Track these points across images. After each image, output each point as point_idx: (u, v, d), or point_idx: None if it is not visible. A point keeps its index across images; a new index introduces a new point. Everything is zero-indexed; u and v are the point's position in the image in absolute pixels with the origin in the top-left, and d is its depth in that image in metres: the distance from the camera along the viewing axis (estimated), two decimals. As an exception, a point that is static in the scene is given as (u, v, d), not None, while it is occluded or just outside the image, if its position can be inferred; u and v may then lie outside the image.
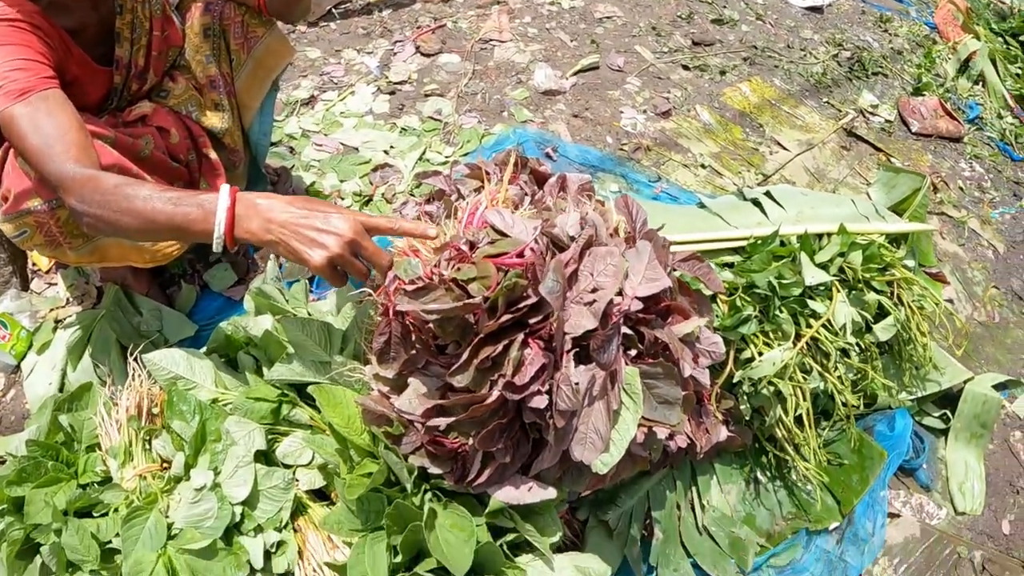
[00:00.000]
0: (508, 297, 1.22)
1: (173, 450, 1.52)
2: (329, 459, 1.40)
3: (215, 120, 1.79)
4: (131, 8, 1.66)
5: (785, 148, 2.40)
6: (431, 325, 1.25)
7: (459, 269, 1.28)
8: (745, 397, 1.76)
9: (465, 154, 2.05)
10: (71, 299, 2.00)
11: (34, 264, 2.07)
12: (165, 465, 1.57)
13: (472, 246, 1.37)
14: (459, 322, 1.25)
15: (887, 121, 2.69)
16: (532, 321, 1.23)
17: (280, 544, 1.48)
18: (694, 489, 1.79)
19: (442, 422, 1.30)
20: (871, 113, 2.65)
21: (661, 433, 1.31)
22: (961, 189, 2.60)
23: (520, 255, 1.32)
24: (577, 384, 1.18)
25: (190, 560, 1.42)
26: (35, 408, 1.88)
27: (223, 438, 1.49)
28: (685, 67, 2.51)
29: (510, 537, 1.33)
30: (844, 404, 1.83)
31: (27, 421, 1.88)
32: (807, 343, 1.79)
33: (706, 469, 1.81)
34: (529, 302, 1.23)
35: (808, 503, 1.85)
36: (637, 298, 1.32)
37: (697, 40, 2.63)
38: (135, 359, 1.62)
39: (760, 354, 1.75)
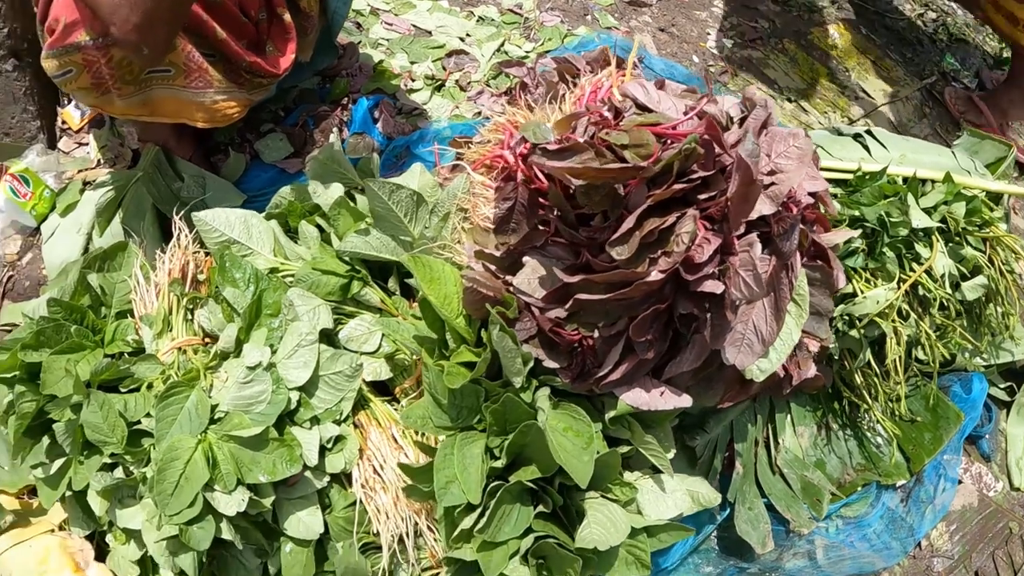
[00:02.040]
0: (681, 166, 0.94)
1: (221, 322, 1.22)
2: (409, 345, 1.11)
3: None
4: None
5: (870, 96, 2.14)
6: (575, 190, 0.97)
7: (608, 134, 1.00)
8: (838, 334, 1.53)
9: (546, 51, 1.74)
10: (102, 161, 1.66)
11: (64, 122, 1.72)
12: (207, 340, 1.27)
13: (618, 113, 1.08)
14: (608, 191, 0.97)
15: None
16: (701, 198, 0.96)
17: (338, 440, 1.19)
18: (770, 427, 1.56)
19: (562, 311, 1.02)
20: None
21: (812, 346, 1.05)
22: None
23: (673, 128, 1.04)
24: (755, 275, 0.91)
25: (235, 449, 1.12)
26: (53, 274, 1.55)
27: (282, 312, 1.19)
28: None
29: (624, 450, 1.06)
30: (931, 359, 1.60)
31: (43, 288, 1.55)
32: (907, 289, 1.56)
33: (783, 407, 1.57)
34: (700, 175, 0.96)
35: (877, 456, 1.63)
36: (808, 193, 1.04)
37: None
38: (181, 218, 1.31)
39: (861, 291, 1.51)
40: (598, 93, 1.25)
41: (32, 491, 1.42)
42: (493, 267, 1.05)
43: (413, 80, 1.67)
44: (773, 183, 0.95)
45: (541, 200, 1.01)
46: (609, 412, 1.01)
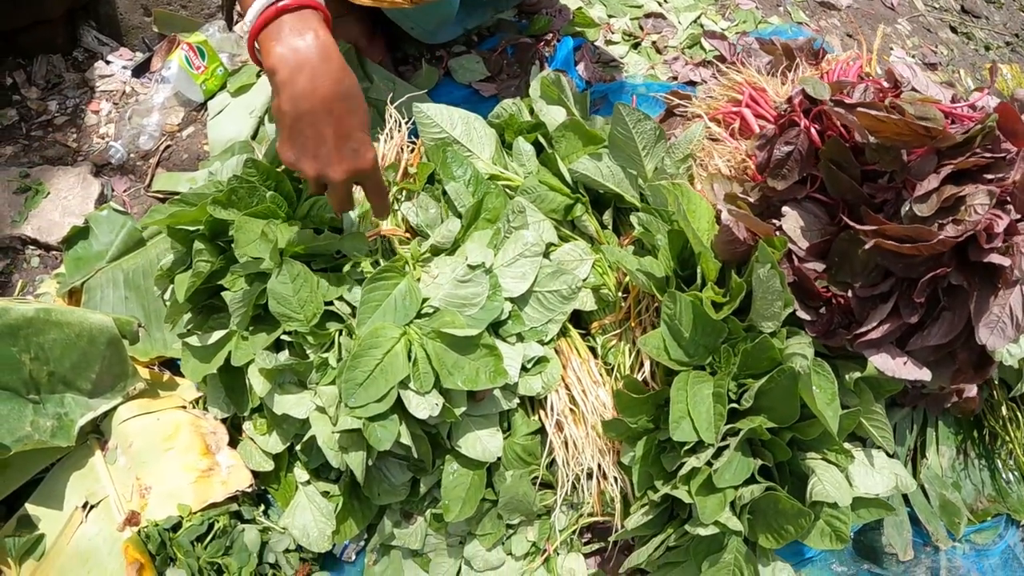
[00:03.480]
0: (982, 140, 0.92)
1: (430, 218, 1.14)
2: (643, 281, 1.06)
3: None
4: None
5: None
6: (866, 147, 0.94)
7: (893, 103, 0.97)
8: (1000, 362, 1.51)
9: (741, 32, 1.73)
10: (281, 51, 1.61)
11: (241, 6, 1.67)
12: (409, 235, 1.21)
13: (896, 86, 1.06)
14: (896, 153, 0.94)
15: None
16: (988, 177, 0.93)
17: (539, 361, 1.13)
18: (919, 440, 1.53)
19: (820, 264, 0.99)
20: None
21: None
22: None
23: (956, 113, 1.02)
24: None
25: (440, 349, 1.06)
26: (217, 150, 1.46)
27: (503, 219, 1.14)
28: (952, 29, 2.26)
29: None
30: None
31: (202, 162, 1.49)
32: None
33: (932, 423, 1.55)
34: (991, 155, 0.93)
35: (1006, 492, 1.61)
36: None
37: (966, 8, 2.40)
38: (396, 108, 1.25)
39: None
40: (849, 71, 1.22)
41: (164, 363, 1.35)
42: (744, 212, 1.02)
43: (612, 33, 1.64)
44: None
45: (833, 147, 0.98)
46: (853, 373, 0.97)
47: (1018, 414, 1.51)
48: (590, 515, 1.16)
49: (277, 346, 1.14)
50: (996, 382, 1.45)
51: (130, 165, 1.49)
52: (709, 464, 0.95)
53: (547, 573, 1.20)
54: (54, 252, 1.44)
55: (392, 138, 1.19)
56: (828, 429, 0.88)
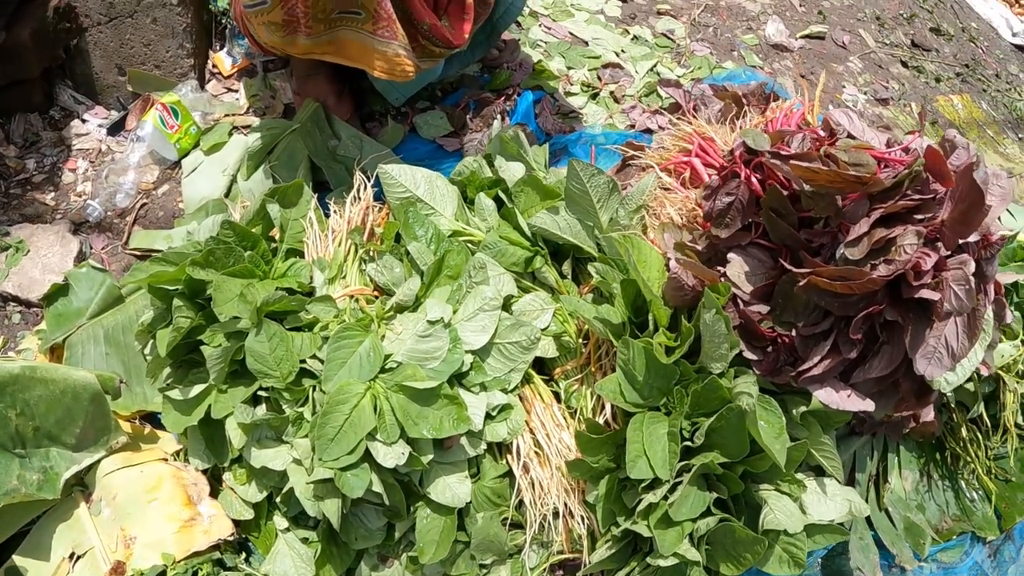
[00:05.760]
0: (911, 183, 1.00)
1: (396, 277, 1.22)
2: (600, 329, 1.13)
3: None
4: None
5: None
6: (801, 194, 1.01)
7: (828, 152, 1.06)
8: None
9: (696, 79, 1.82)
10: (252, 109, 1.68)
11: (214, 66, 1.73)
12: (376, 293, 1.27)
13: (832, 134, 1.14)
14: (830, 200, 1.02)
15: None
16: (916, 218, 1.01)
17: (503, 408, 1.19)
18: (881, 466, 1.60)
19: (764, 307, 1.06)
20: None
21: (983, 370, 1.10)
22: None
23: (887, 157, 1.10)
24: (966, 289, 0.96)
25: (403, 401, 1.11)
26: (191, 208, 1.53)
27: (464, 276, 1.21)
28: (903, 63, 2.37)
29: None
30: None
31: (177, 220, 1.54)
32: None
33: (893, 449, 1.61)
34: (919, 197, 1.02)
35: (971, 510, 1.68)
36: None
37: (916, 42, 2.52)
38: (361, 170, 1.32)
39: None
40: (791, 119, 1.31)
41: (145, 416, 1.39)
42: (691, 260, 1.09)
43: (571, 84, 1.72)
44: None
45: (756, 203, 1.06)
46: (800, 407, 1.03)
47: (978, 435, 1.59)
48: (559, 552, 1.22)
49: (255, 400, 1.20)
50: (954, 405, 1.52)
51: (107, 223, 1.55)
52: (666, 499, 1.01)
53: (522, 610, 1.25)
54: (35, 308, 1.49)
55: (359, 199, 1.25)
56: (776, 462, 0.95)
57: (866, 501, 1.47)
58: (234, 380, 1.20)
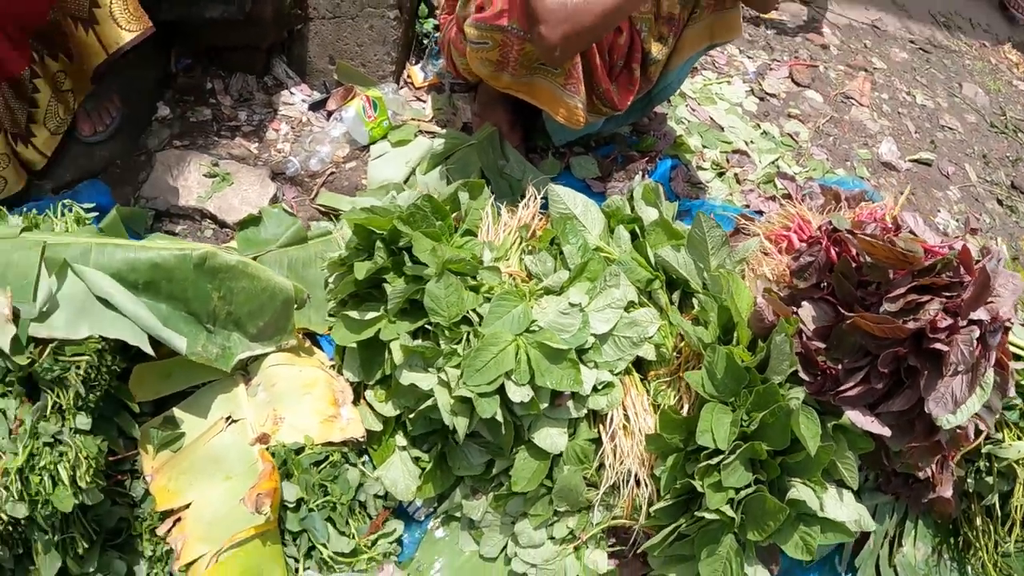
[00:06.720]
0: (940, 269, 1.86)
1: (548, 269, 2.09)
2: (695, 339, 1.98)
3: (654, 48, 2.44)
4: None
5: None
6: (864, 264, 1.88)
7: (890, 238, 1.93)
8: (977, 472, 2.33)
9: (809, 178, 2.73)
10: (435, 120, 2.62)
11: (408, 76, 2.70)
12: (528, 278, 2.14)
13: (898, 228, 2.02)
14: (884, 271, 1.88)
15: None
16: (945, 293, 1.86)
17: (607, 385, 2.02)
18: (899, 529, 2.34)
19: (822, 343, 1.91)
20: None
21: (981, 425, 1.91)
22: None
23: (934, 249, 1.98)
24: (970, 350, 1.78)
25: (538, 356, 1.94)
26: (373, 186, 2.45)
27: (599, 280, 2.07)
28: (999, 201, 3.27)
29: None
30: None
31: (359, 192, 2.46)
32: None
33: (912, 518, 2.33)
34: (948, 279, 1.87)
35: (975, 599, 2.38)
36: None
37: (1016, 184, 3.47)
38: (532, 184, 2.24)
39: (1010, 442, 2.33)
40: (873, 215, 2.20)
41: (306, 334, 2.25)
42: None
43: (703, 160, 2.65)
44: (991, 300, 1.85)
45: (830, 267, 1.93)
46: (841, 420, 1.85)
47: (991, 527, 2.31)
48: (618, 517, 2.02)
49: (412, 334, 2.06)
50: (973, 493, 2.28)
51: (299, 179, 2.47)
52: (719, 468, 1.83)
53: (576, 560, 2.04)
54: (226, 230, 2.38)
55: (528, 207, 2.16)
56: (808, 451, 1.76)
57: (878, 555, 2.24)
58: (402, 315, 2.06)
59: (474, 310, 2.02)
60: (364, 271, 2.02)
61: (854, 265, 1.89)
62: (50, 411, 1.71)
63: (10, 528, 1.64)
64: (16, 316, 1.72)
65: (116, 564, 1.84)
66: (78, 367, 1.75)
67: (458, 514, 2.09)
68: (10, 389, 1.73)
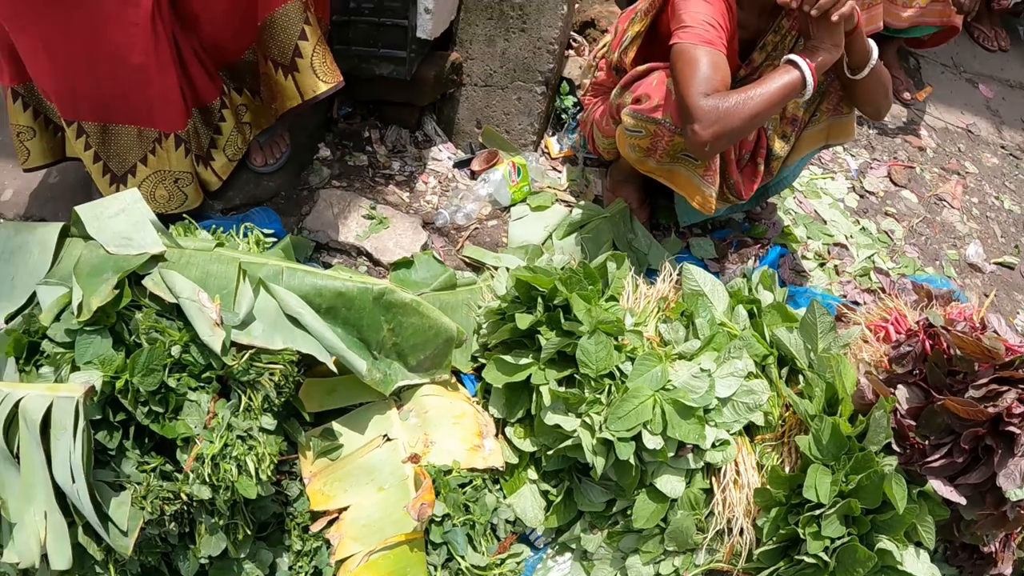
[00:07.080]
0: (1021, 365, 2.47)
1: (679, 337, 2.70)
2: (801, 410, 2.58)
3: (777, 145, 3.07)
4: (783, 33, 3.00)
5: None
6: (954, 356, 2.49)
7: (976, 335, 2.55)
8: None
9: (902, 274, 3.36)
10: (569, 190, 3.25)
11: (546, 147, 3.33)
12: (661, 343, 2.74)
13: (984, 328, 2.64)
14: (970, 363, 2.49)
15: None
16: (1021, 385, 2.47)
17: (724, 443, 2.61)
18: None
19: (913, 421, 2.52)
20: None
21: None
22: None
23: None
24: None
25: (671, 410, 2.53)
26: (514, 244, 3.04)
27: (724, 350, 2.68)
28: None
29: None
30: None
31: (501, 249, 3.05)
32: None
33: None
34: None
35: None
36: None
37: None
38: (667, 261, 2.86)
39: None
40: (963, 314, 2.82)
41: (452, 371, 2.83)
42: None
43: (807, 250, 3.28)
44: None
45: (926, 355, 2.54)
46: (925, 487, 2.44)
47: None
48: (718, 561, 2.60)
49: (559, 382, 2.65)
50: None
51: (447, 230, 3.08)
52: (819, 521, 2.42)
53: (678, 595, 2.62)
54: (379, 268, 2.98)
55: (666, 281, 2.77)
56: (896, 508, 2.35)
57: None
58: (553, 364, 2.66)
59: (617, 366, 2.62)
60: (527, 322, 2.62)
61: (945, 356, 2.51)
62: (241, 409, 2.15)
63: (185, 507, 2.07)
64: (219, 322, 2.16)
65: (263, 554, 2.31)
66: (271, 374, 2.26)
67: (574, 545, 2.66)
68: (205, 385, 2.16)
